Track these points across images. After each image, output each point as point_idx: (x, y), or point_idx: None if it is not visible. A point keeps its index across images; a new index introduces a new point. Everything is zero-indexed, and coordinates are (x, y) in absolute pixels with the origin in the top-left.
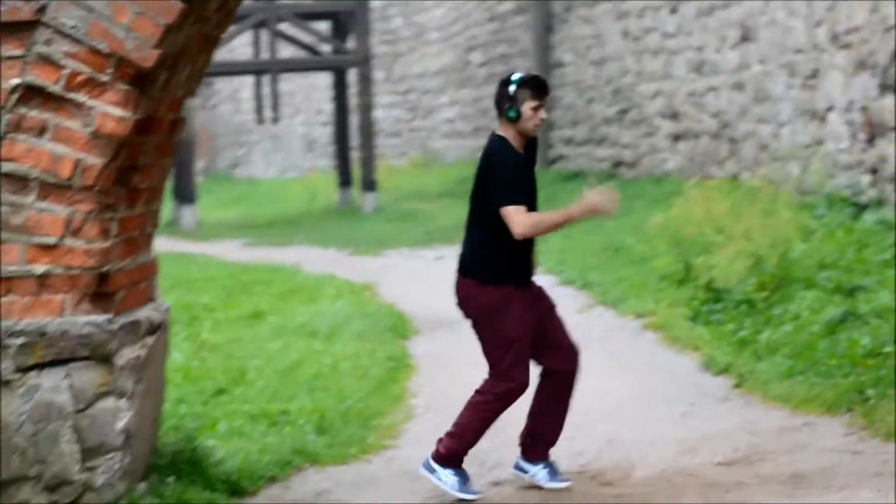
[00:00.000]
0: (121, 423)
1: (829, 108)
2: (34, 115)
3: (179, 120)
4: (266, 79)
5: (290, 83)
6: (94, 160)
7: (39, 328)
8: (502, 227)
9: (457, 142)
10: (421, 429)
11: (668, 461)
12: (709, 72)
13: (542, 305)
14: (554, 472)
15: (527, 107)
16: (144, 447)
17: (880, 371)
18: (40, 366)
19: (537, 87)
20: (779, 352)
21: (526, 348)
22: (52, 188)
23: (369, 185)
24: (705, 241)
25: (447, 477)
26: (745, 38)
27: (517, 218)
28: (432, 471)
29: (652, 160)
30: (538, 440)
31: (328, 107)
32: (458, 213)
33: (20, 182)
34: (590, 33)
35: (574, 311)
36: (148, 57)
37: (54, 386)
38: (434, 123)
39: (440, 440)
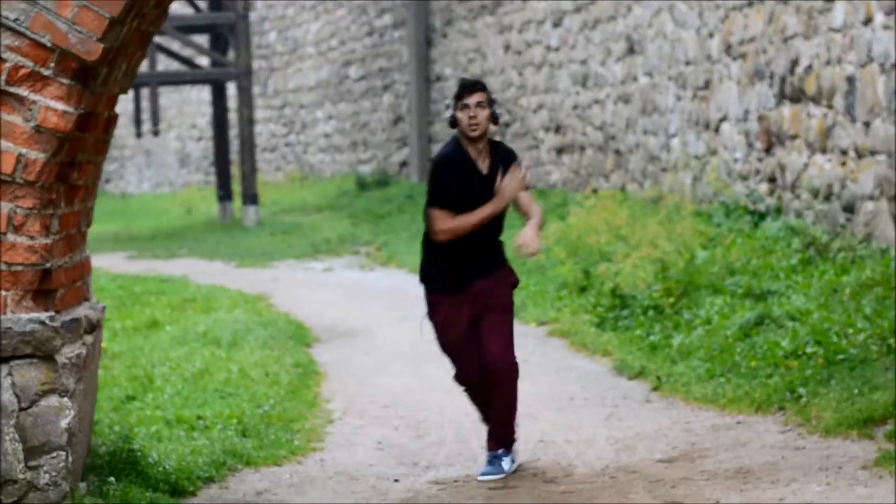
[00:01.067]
0: (65, 422)
1: (723, 119)
2: None
3: (114, 117)
4: (144, 92)
5: (163, 98)
6: (37, 155)
7: None
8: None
9: (334, 156)
10: (342, 431)
11: (607, 459)
12: (593, 85)
13: (480, 305)
14: (489, 462)
15: (458, 110)
16: (83, 447)
17: (806, 371)
18: None
19: (459, 88)
20: (693, 355)
21: (458, 350)
22: None
23: (250, 198)
24: (605, 249)
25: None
26: (632, 50)
27: (437, 222)
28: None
29: (536, 173)
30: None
31: (202, 121)
32: (340, 225)
33: None
34: (471, 47)
35: None
36: (92, 51)
37: None
38: (310, 138)
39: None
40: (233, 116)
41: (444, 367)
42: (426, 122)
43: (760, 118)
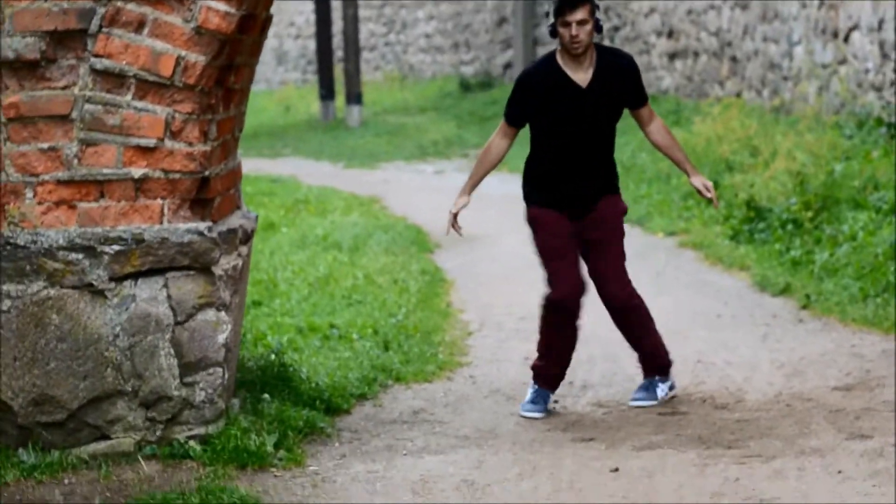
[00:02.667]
0: (222, 337)
1: (853, 28)
2: (131, 8)
3: (270, 18)
4: None
5: None
6: (197, 58)
7: (136, 235)
8: (534, 143)
9: (435, 57)
10: (484, 345)
11: (778, 385)
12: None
13: (588, 228)
14: (643, 387)
15: (559, 25)
16: (235, 361)
17: None
18: (136, 275)
19: (560, 2)
20: (840, 273)
21: (561, 254)
22: (150, 87)
23: (355, 97)
24: (732, 159)
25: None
26: None
27: (490, 140)
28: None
29: (646, 78)
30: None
31: (299, 19)
32: (446, 127)
33: (116, 80)
34: None
35: None
36: None
37: (151, 297)
38: (410, 38)
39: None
40: (335, 15)
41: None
42: (531, 24)
43: None
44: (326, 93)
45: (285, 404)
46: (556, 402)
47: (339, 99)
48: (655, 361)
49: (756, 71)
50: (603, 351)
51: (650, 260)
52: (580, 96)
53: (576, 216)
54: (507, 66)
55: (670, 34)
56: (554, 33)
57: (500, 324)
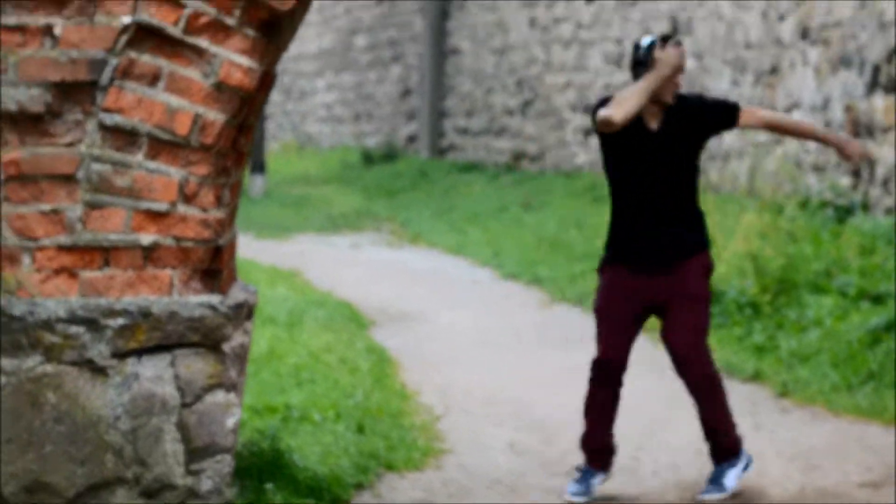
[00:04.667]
0: (231, 421)
1: (793, 106)
2: (146, 60)
3: (275, 76)
4: None
5: None
6: (216, 116)
7: (143, 308)
8: (611, 194)
9: (334, 127)
10: (459, 430)
11: (797, 480)
12: (628, 66)
13: (662, 291)
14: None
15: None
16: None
17: None
18: (140, 351)
19: (653, 46)
20: (813, 360)
21: (608, 322)
22: (164, 146)
23: (258, 167)
24: None
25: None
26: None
27: (603, 111)
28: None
29: (559, 154)
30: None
31: None
32: (353, 199)
33: (127, 137)
34: (491, 20)
35: (533, 307)
36: None
37: (156, 375)
38: (309, 107)
39: None
40: None
41: (528, 358)
42: (438, 97)
43: (847, 108)
44: None
45: (292, 497)
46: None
47: None
48: (724, 444)
49: None
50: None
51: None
52: (651, 140)
53: (647, 273)
54: (412, 138)
55: (586, 110)
56: (637, 76)
57: (465, 408)
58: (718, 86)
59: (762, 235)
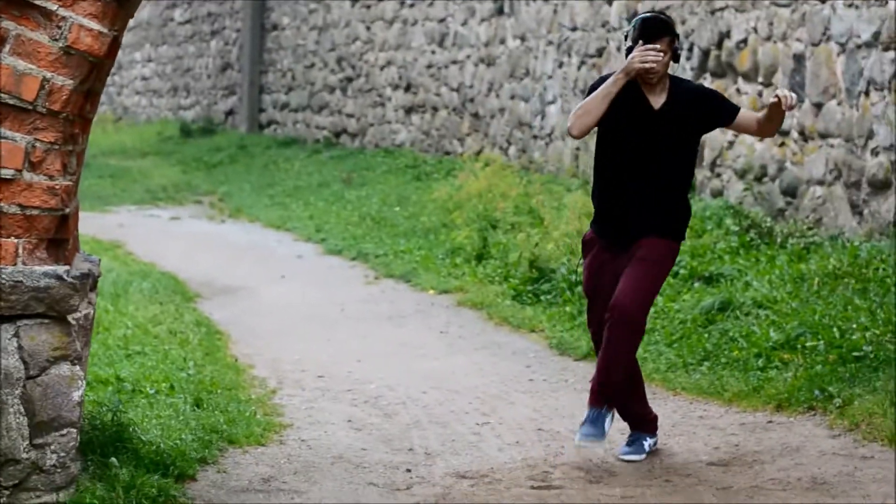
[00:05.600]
0: (77, 394)
1: None
2: None
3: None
4: None
5: None
6: (64, 81)
7: None
8: (597, 162)
9: (151, 100)
10: (295, 406)
11: (646, 458)
12: (451, 45)
13: (626, 262)
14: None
15: (638, 49)
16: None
17: (815, 367)
18: None
19: (643, 30)
20: (647, 339)
21: (594, 301)
22: (10, 111)
23: None
24: (507, 219)
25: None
26: (501, 11)
27: (569, 121)
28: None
29: (380, 131)
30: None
31: None
32: (171, 172)
33: None
34: None
35: (359, 283)
36: None
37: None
38: (125, 80)
39: None
40: None
41: (357, 333)
42: (258, 72)
43: None
44: None
45: (139, 472)
46: (408, 470)
47: None
48: (605, 391)
49: (501, 129)
50: (427, 416)
51: (431, 317)
52: (652, 118)
53: (624, 248)
54: (230, 112)
55: (408, 88)
56: (626, 54)
57: (299, 382)
58: (543, 67)
59: (589, 215)
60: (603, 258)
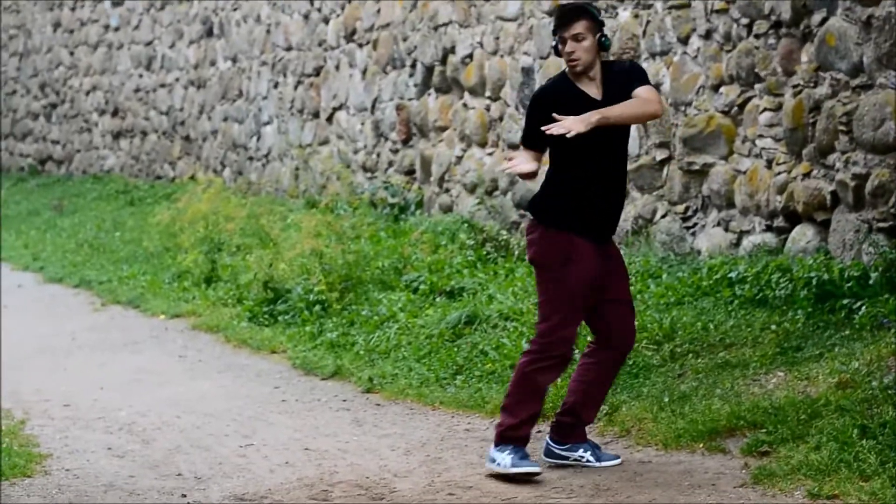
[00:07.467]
0: None
1: (339, 108)
2: None
3: None
4: None
5: None
6: None
7: None
8: (562, 161)
9: None
10: (49, 435)
11: (422, 473)
12: (160, 68)
13: (609, 267)
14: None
15: (559, 43)
16: None
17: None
18: None
19: (555, 18)
20: (395, 355)
21: (578, 308)
22: None
23: None
24: (229, 240)
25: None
26: (211, 33)
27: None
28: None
29: (88, 157)
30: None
31: None
32: None
33: None
34: (13, 22)
35: (86, 311)
36: None
37: None
38: None
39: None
40: None
41: (94, 362)
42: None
43: (399, 108)
44: None
45: None
46: (183, 495)
47: None
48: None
49: (215, 151)
50: (186, 439)
51: (166, 342)
52: (598, 108)
53: (601, 240)
54: None
55: (115, 112)
56: (558, 51)
57: (45, 412)
58: (257, 88)
59: (319, 234)
60: (595, 260)
